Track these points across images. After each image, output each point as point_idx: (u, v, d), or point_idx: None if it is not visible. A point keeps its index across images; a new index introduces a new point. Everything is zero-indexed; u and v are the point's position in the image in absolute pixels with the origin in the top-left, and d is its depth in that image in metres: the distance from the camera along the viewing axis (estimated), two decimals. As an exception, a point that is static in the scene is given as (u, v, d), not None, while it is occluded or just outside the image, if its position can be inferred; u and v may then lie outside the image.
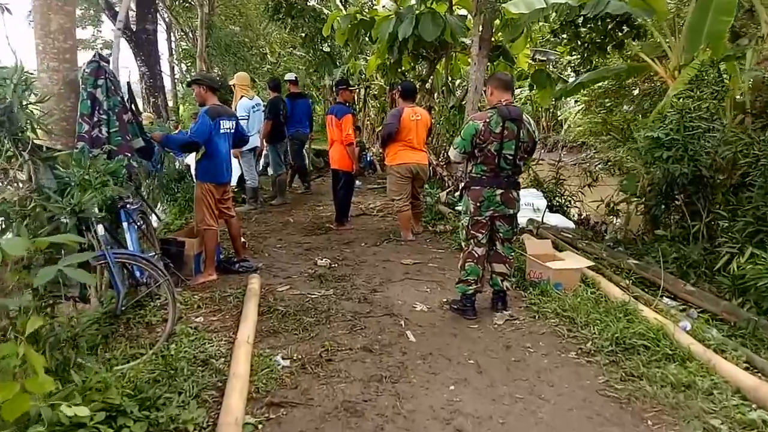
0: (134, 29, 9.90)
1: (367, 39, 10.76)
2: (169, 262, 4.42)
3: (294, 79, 8.38)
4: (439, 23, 7.96)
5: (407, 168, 5.87)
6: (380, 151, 6.08)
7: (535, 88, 9.95)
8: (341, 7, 12.51)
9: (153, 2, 10.09)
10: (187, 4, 20.10)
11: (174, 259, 4.60)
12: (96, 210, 3.28)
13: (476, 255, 4.02)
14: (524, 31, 8.72)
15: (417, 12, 8.27)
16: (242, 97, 7.26)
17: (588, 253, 5.15)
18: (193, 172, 5.30)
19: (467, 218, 4.00)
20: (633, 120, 6.13)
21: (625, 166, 6.22)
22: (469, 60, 11.59)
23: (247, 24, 22.88)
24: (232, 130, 4.80)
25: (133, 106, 4.68)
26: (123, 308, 3.35)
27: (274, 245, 5.90)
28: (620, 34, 9.65)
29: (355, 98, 13.73)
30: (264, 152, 8.00)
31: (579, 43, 10.63)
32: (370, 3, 15.34)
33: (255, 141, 7.25)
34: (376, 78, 13.97)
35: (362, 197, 8.55)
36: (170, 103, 18.06)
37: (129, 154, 3.81)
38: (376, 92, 15.18)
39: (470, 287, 4.00)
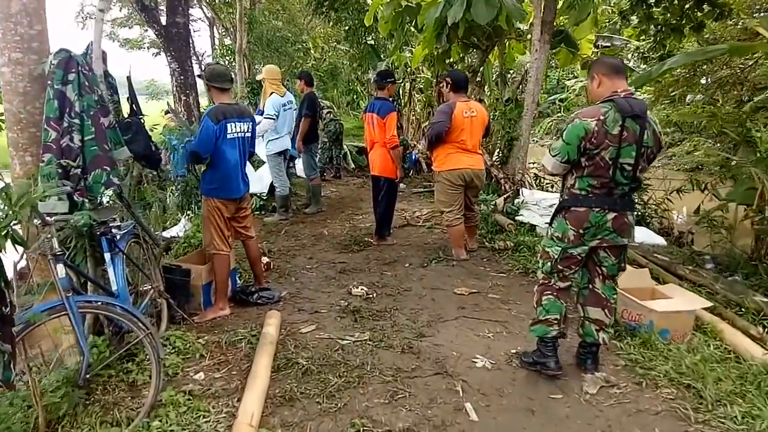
0: (164, 23, 9.29)
1: (412, 29, 9.88)
2: (168, 298, 3.62)
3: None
4: (494, 5, 6.89)
5: (459, 175, 4.88)
6: (426, 150, 5.15)
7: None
8: (385, -5, 11.57)
9: (184, -6, 9.44)
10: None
11: (178, 290, 3.80)
12: (55, 244, 2.49)
13: (557, 287, 3.05)
14: (590, 12, 7.54)
15: (470, -7, 7.24)
16: (272, 93, 6.41)
17: (693, 284, 4.05)
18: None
19: (559, 247, 3.00)
20: (750, 114, 4.91)
21: (732, 169, 5.00)
22: (525, 48, 10.53)
23: (290, 19, 22.44)
24: (247, 134, 3.94)
25: (134, 105, 3.95)
26: (87, 376, 2.53)
27: (304, 266, 5.04)
28: (700, 14, 8.46)
29: (400, 92, 12.77)
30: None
31: (651, 25, 9.47)
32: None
33: (285, 143, 6.41)
34: (422, 70, 13.03)
35: (406, 203, 7.61)
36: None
37: (108, 168, 2.99)
38: (421, 86, 14.22)
39: (552, 328, 3.05)
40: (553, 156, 2.94)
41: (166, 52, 9.31)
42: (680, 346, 3.20)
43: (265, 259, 4.90)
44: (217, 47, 20.90)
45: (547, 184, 8.44)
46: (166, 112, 10.59)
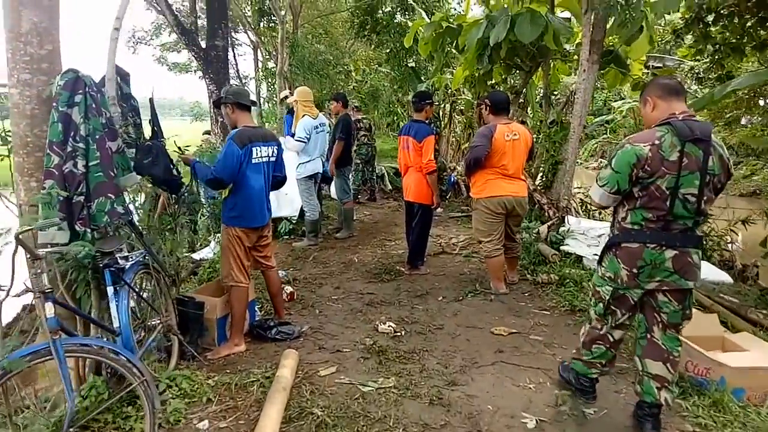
0: (204, 46, 9.34)
1: (453, 50, 9.64)
2: (178, 334, 3.37)
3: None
4: (539, 23, 6.55)
5: (500, 202, 4.50)
6: (464, 175, 4.78)
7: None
8: (425, 18, 11.39)
9: (224, 17, 9.44)
10: (271, 24, 20.06)
11: (192, 324, 3.55)
12: (44, 280, 2.26)
13: (611, 339, 2.77)
14: (643, 30, 7.09)
15: (512, 12, 6.93)
16: (304, 115, 6.22)
17: (770, 331, 3.52)
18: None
19: (608, 288, 2.68)
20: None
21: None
22: (570, 69, 10.10)
23: (333, 42, 22.68)
24: (273, 158, 3.70)
25: (155, 127, 3.78)
26: (83, 421, 2.28)
27: (329, 296, 4.73)
28: (763, 32, 7.89)
29: (440, 113, 12.49)
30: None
31: (708, 44, 8.91)
32: (457, 11, 14.23)
33: (316, 166, 6.18)
34: (463, 91, 12.75)
35: (443, 228, 7.24)
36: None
37: (112, 196, 2.77)
38: (462, 107, 13.93)
39: (594, 370, 2.89)
40: (601, 186, 2.61)
41: (204, 74, 9.32)
42: (759, 410, 2.71)
43: (288, 289, 4.62)
44: (260, 71, 21.21)
45: (594, 211, 7.91)
46: (206, 133, 10.64)
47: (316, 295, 4.77)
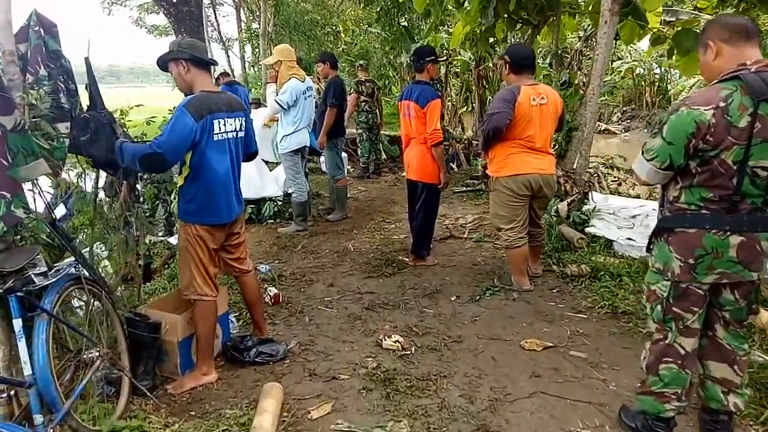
0: (174, 1, 8.31)
1: (449, 6, 8.74)
2: (124, 369, 2.60)
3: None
4: (554, -33, 5.66)
5: (524, 181, 3.71)
6: (482, 149, 4.00)
7: (675, 53, 7.33)
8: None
9: (196, -30, 8.42)
10: (252, -20, 18.82)
11: (146, 349, 2.78)
12: None
13: (682, 351, 2.16)
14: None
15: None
16: (291, 77, 5.30)
17: None
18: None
19: (666, 283, 2.12)
20: None
21: None
22: (578, 25, 9.18)
23: (320, 1, 21.56)
24: (241, 132, 2.87)
25: (93, 95, 2.95)
26: None
27: (322, 298, 3.97)
28: None
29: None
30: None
31: None
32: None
33: (303, 138, 5.33)
34: (459, 52, 11.82)
35: (447, 206, 6.47)
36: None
37: (7, 194, 1.96)
38: (458, 69, 13.00)
39: (668, 406, 2.19)
40: (648, 159, 2.03)
41: (176, 34, 8.34)
42: None
43: (272, 291, 3.87)
44: (242, 32, 19.96)
45: (613, 182, 7.15)
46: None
47: (306, 296, 4.01)
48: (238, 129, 2.84)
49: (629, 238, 4.58)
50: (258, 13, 18.58)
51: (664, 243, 2.11)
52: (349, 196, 6.60)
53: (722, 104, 1.86)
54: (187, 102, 2.62)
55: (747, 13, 7.93)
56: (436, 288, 4.05)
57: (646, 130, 21.90)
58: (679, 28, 7.24)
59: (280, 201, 5.91)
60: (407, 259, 4.66)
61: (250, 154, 3.11)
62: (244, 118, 2.88)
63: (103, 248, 3.09)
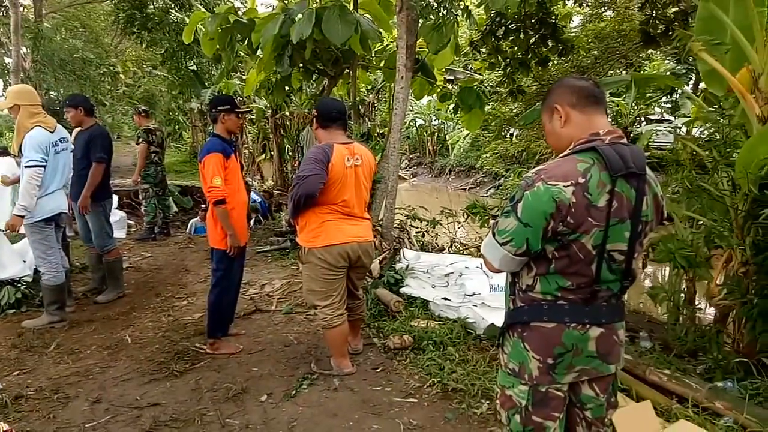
0: None
1: (241, 53, 8.24)
2: None
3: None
4: (350, 21, 5.55)
5: (343, 252, 3.23)
6: (291, 218, 3.44)
7: (460, 110, 7.85)
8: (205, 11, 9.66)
9: None
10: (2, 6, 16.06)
11: None
12: None
13: None
14: (451, 38, 6.61)
15: (317, 5, 5.83)
16: (35, 126, 4.09)
17: (682, 399, 2.89)
18: None
19: (523, 388, 1.76)
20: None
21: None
22: (370, 79, 9.42)
23: (93, 38, 19.38)
24: None
25: None
26: None
27: (82, 425, 2.88)
28: (545, 49, 8.33)
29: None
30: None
31: (500, 57, 9.16)
32: (243, 3, 12.76)
33: (58, 202, 4.14)
34: (254, 99, 11.31)
35: (249, 269, 5.69)
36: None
37: None
38: (253, 116, 12.46)
39: None
40: (501, 243, 1.67)
41: None
42: None
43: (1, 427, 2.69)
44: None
45: (418, 233, 7.18)
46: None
47: (57, 424, 2.89)
48: None
49: (445, 298, 4.41)
50: (10, 47, 15.74)
51: (518, 339, 1.76)
52: (127, 266, 5.42)
53: (581, 180, 1.58)
54: None
55: (513, 74, 8.98)
56: (241, 386, 3.28)
57: (430, 176, 24.00)
58: (462, 87, 7.74)
59: (24, 284, 4.50)
60: (205, 347, 3.80)
61: None
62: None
63: None
